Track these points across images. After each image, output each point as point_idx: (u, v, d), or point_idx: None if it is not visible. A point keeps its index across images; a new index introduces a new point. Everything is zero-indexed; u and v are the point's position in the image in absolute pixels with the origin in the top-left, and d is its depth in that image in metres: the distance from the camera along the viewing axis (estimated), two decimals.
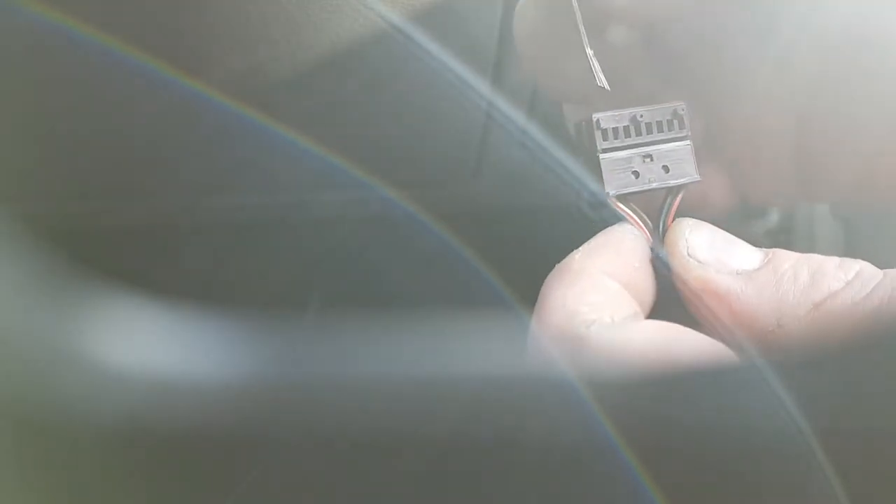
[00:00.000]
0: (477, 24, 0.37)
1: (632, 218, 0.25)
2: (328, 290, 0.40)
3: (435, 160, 0.39)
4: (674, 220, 0.26)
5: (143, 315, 0.22)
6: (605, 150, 0.25)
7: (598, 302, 0.23)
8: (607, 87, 0.26)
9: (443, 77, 0.35)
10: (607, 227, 0.25)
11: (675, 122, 0.26)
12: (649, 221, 0.26)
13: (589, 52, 0.26)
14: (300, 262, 0.40)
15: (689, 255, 0.24)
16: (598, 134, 0.25)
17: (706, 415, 0.20)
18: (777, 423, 0.19)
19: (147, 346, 0.21)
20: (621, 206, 0.25)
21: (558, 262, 0.24)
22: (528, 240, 0.42)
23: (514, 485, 0.21)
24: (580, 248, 0.24)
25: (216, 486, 0.22)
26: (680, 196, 0.26)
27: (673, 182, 0.26)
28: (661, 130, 0.26)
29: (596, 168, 0.25)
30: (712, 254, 0.24)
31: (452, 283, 0.36)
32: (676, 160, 0.26)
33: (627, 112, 0.26)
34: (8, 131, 0.30)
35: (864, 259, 0.23)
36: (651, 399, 0.20)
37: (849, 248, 0.50)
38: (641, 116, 0.26)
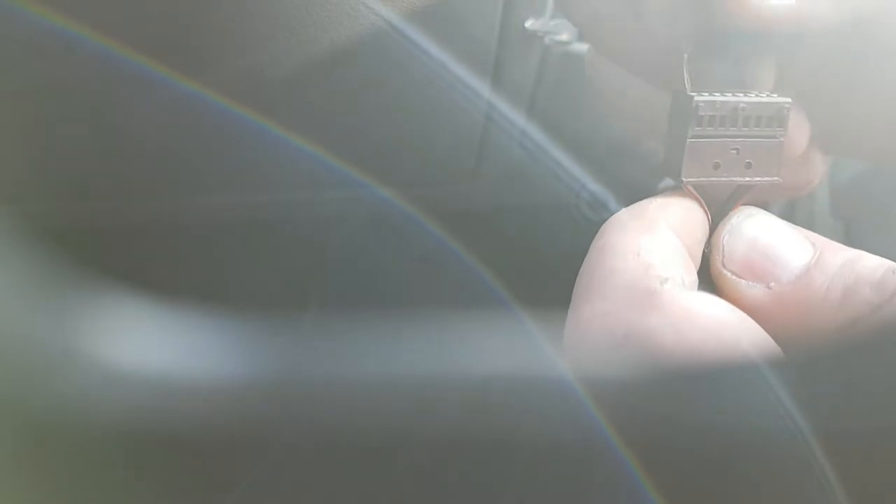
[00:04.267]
0: (477, 24, 0.37)
1: None
2: (328, 290, 0.40)
3: (435, 160, 0.39)
4: None
5: (143, 315, 0.22)
6: (695, 137, 0.24)
7: (670, 260, 0.22)
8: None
9: (443, 77, 0.35)
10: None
11: (775, 119, 0.24)
12: (710, 216, 0.24)
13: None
14: (300, 262, 0.40)
15: (723, 265, 0.23)
16: (693, 121, 0.24)
17: (706, 415, 0.20)
18: (777, 423, 0.19)
19: (147, 346, 0.21)
20: (693, 192, 0.24)
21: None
22: (528, 240, 0.42)
23: (513, 485, 0.21)
24: (653, 199, 0.23)
25: (216, 486, 0.22)
26: (747, 196, 0.24)
27: (749, 179, 0.24)
28: (757, 125, 0.24)
29: (679, 147, 0.24)
30: (747, 265, 0.23)
31: (451, 282, 0.36)
32: (761, 157, 0.24)
33: (730, 102, 0.24)
34: (8, 131, 0.30)
35: None
36: (651, 399, 0.20)
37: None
38: (743, 109, 0.24)
